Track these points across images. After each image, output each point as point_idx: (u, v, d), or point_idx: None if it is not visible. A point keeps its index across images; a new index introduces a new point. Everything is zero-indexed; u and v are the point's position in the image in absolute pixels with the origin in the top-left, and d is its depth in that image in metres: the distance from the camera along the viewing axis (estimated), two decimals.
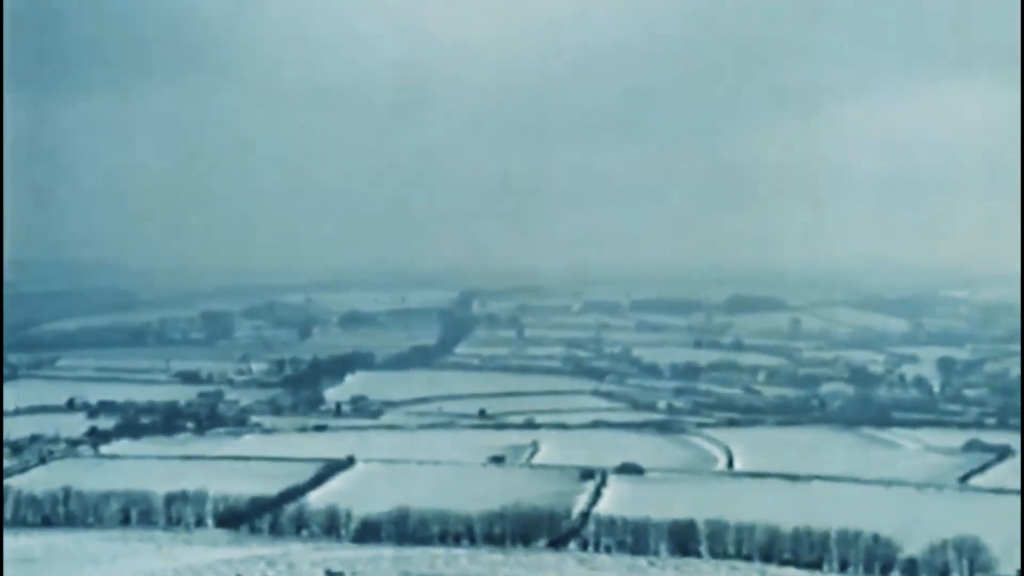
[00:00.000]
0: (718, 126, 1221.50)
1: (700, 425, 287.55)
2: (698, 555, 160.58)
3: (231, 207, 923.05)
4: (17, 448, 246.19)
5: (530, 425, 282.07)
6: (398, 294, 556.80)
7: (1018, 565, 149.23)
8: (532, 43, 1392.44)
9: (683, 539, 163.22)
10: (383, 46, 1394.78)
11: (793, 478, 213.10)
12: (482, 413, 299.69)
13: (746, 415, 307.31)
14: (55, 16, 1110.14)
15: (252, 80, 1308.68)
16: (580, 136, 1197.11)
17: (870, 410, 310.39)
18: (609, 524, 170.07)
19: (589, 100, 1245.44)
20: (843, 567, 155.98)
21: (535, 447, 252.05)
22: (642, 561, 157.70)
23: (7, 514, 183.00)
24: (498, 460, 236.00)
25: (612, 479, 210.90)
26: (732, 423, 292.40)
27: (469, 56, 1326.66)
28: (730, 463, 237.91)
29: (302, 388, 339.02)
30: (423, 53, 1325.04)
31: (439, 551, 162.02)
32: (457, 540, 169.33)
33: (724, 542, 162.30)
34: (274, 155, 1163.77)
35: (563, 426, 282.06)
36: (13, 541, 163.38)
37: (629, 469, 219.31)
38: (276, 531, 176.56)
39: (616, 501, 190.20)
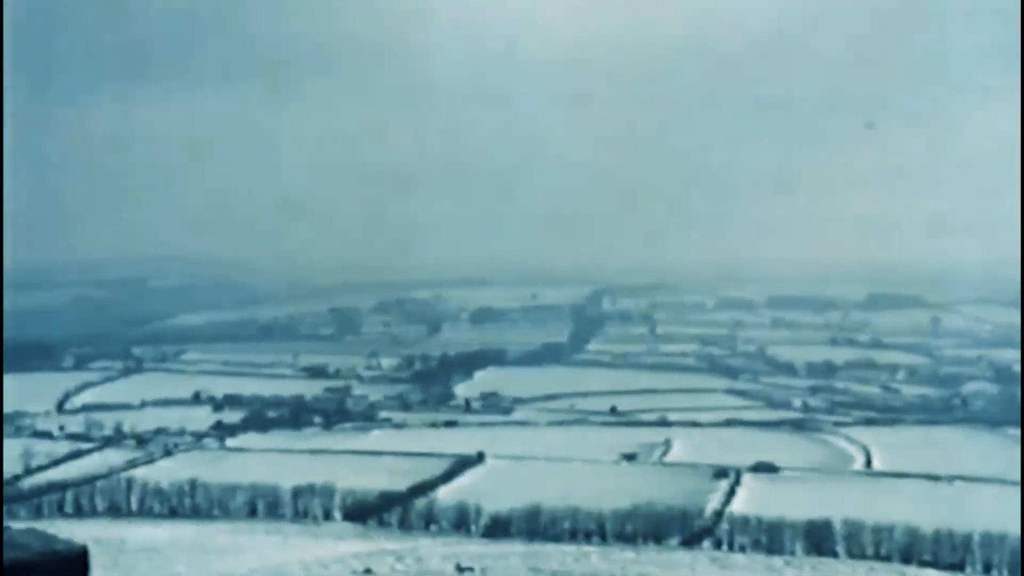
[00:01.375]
0: (850, 126, 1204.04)
1: (837, 424, 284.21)
2: (835, 555, 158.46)
3: (363, 203, 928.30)
4: (142, 440, 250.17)
5: (662, 423, 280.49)
6: (529, 290, 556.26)
7: None
8: (681, 42, 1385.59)
9: (819, 539, 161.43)
10: (538, 46, 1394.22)
11: (934, 478, 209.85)
12: (613, 410, 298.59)
13: (885, 414, 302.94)
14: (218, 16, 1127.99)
15: (406, 78, 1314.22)
16: (724, 132, 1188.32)
17: (1014, 410, 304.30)
18: (743, 523, 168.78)
19: (736, 98, 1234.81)
20: (986, 570, 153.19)
21: (667, 445, 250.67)
22: (777, 561, 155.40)
23: (133, 504, 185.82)
24: (630, 458, 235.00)
25: (746, 477, 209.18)
26: (870, 422, 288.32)
27: (618, 54, 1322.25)
28: (868, 462, 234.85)
29: (432, 384, 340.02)
30: (577, 51, 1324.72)
31: (570, 548, 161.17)
32: (588, 537, 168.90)
33: (862, 542, 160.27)
34: (413, 152, 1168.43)
35: (696, 424, 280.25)
36: (138, 531, 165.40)
37: (764, 468, 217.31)
38: (405, 526, 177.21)
39: (750, 500, 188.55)
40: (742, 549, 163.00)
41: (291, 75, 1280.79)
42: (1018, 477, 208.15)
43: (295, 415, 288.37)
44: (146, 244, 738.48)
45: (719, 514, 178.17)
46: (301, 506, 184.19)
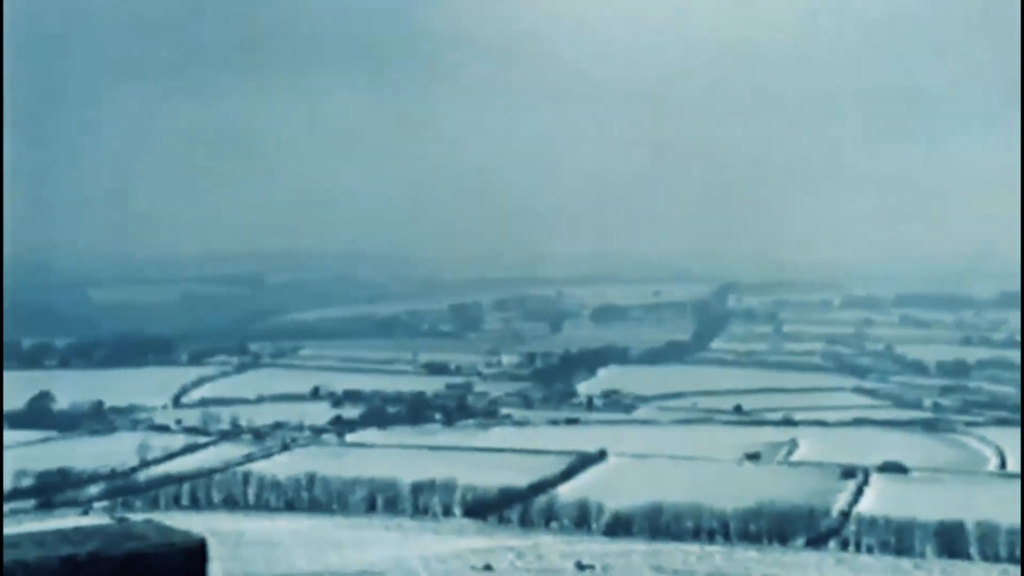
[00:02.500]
0: (966, 122, 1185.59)
1: (969, 424, 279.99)
2: (967, 558, 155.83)
3: (486, 198, 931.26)
4: (259, 435, 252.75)
5: (788, 422, 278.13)
6: (652, 288, 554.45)
7: None
8: (783, 41, 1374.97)
9: (951, 541, 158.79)
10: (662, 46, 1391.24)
11: None
12: (738, 409, 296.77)
13: (1020, 414, 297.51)
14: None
15: (535, 78, 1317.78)
16: (843, 128, 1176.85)
17: None
18: (871, 524, 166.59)
19: (839, 97, 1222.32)
20: None
21: (793, 444, 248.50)
22: (906, 563, 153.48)
23: (250, 498, 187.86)
24: (754, 457, 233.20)
25: (874, 478, 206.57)
26: (1004, 422, 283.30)
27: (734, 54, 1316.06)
28: (1002, 463, 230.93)
29: (553, 381, 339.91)
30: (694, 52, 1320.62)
31: (692, 547, 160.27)
32: (711, 537, 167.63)
33: (995, 544, 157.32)
34: (533, 151, 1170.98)
35: (823, 423, 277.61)
36: (256, 524, 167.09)
37: (893, 468, 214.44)
38: (525, 522, 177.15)
39: (879, 500, 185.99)
40: (869, 550, 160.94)
41: (419, 70, 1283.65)
42: None
43: (415, 411, 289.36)
44: (263, 240, 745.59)
45: (846, 514, 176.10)
46: (421, 502, 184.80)
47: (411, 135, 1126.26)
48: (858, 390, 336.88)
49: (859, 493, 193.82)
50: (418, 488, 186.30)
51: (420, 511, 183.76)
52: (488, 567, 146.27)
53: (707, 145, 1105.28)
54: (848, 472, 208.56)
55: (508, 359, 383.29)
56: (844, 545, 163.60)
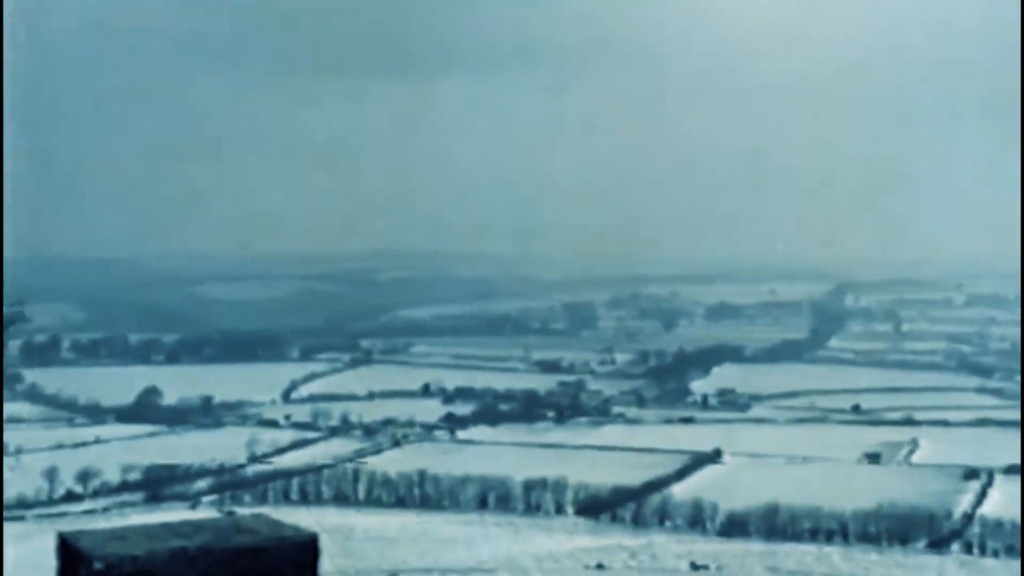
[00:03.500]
0: None
1: None
2: None
3: (599, 197, 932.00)
4: (370, 431, 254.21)
5: (909, 422, 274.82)
6: (768, 287, 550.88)
7: None
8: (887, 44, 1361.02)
9: None
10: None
11: None
12: (856, 409, 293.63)
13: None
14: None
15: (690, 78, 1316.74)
16: (969, 128, 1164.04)
17: None
18: (996, 526, 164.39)
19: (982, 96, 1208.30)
20: None
21: (914, 444, 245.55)
22: None
23: (360, 493, 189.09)
24: (873, 457, 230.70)
25: (999, 479, 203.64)
26: None
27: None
28: None
29: (667, 379, 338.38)
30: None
31: (810, 548, 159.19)
32: (829, 538, 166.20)
33: None
34: (647, 149, 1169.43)
35: (945, 423, 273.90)
36: (366, 520, 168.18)
37: (1019, 470, 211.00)
38: (639, 521, 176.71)
39: (1004, 503, 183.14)
40: (995, 554, 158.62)
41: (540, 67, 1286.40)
42: None
43: (527, 409, 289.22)
44: (373, 238, 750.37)
45: (969, 517, 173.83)
46: (533, 500, 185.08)
47: (529, 134, 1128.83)
48: (982, 390, 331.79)
49: (983, 495, 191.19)
50: (530, 486, 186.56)
51: (532, 509, 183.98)
52: (600, 566, 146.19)
53: (827, 145, 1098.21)
54: (971, 473, 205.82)
55: (621, 357, 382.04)
56: (968, 548, 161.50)
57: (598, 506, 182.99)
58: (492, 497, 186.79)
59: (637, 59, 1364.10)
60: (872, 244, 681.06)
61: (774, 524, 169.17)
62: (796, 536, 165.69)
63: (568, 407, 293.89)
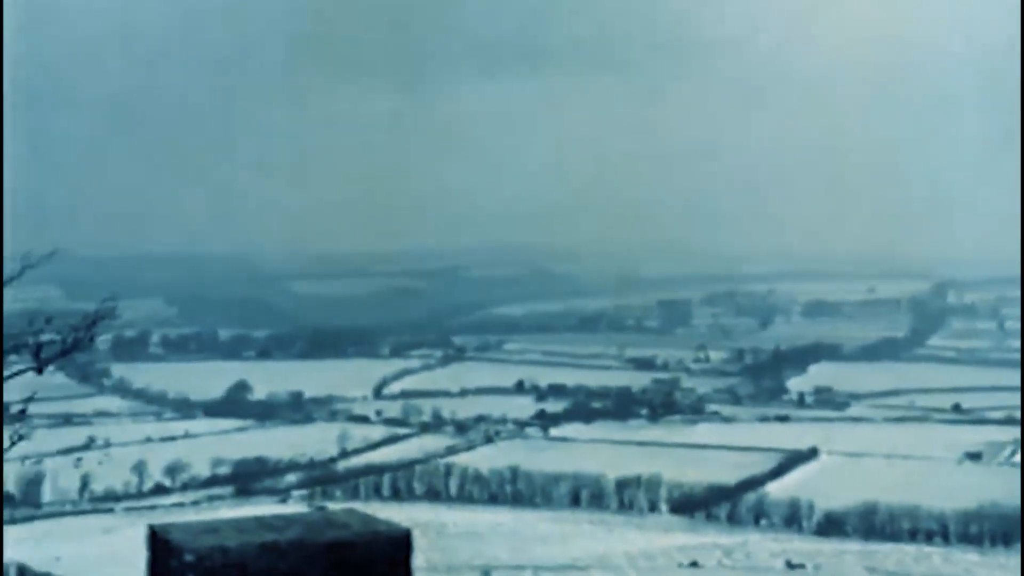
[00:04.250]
0: None
1: None
2: None
3: (695, 197, 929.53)
4: (462, 427, 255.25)
5: (1011, 421, 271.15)
6: (867, 284, 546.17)
7: None
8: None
9: None
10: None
11: None
12: (957, 408, 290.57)
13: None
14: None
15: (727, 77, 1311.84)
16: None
17: None
18: None
19: None
20: None
21: (1017, 445, 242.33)
22: None
23: (452, 489, 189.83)
24: (975, 457, 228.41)
25: None
26: None
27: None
28: None
29: (762, 377, 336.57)
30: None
31: (909, 548, 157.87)
32: (929, 538, 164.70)
33: None
34: (744, 148, 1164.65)
35: None
36: (458, 516, 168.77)
37: None
38: (733, 520, 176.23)
39: None
40: None
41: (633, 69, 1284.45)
42: None
43: (621, 406, 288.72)
44: (465, 234, 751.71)
45: None
46: (626, 497, 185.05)
47: (622, 130, 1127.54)
48: None
49: None
50: (623, 483, 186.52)
51: (625, 507, 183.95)
52: (695, 564, 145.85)
53: (929, 142, 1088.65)
54: None
55: (716, 355, 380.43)
56: None
57: (692, 504, 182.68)
58: (585, 494, 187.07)
59: (725, 56, 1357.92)
60: (972, 241, 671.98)
61: (872, 524, 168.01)
62: (895, 536, 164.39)
63: (662, 405, 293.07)
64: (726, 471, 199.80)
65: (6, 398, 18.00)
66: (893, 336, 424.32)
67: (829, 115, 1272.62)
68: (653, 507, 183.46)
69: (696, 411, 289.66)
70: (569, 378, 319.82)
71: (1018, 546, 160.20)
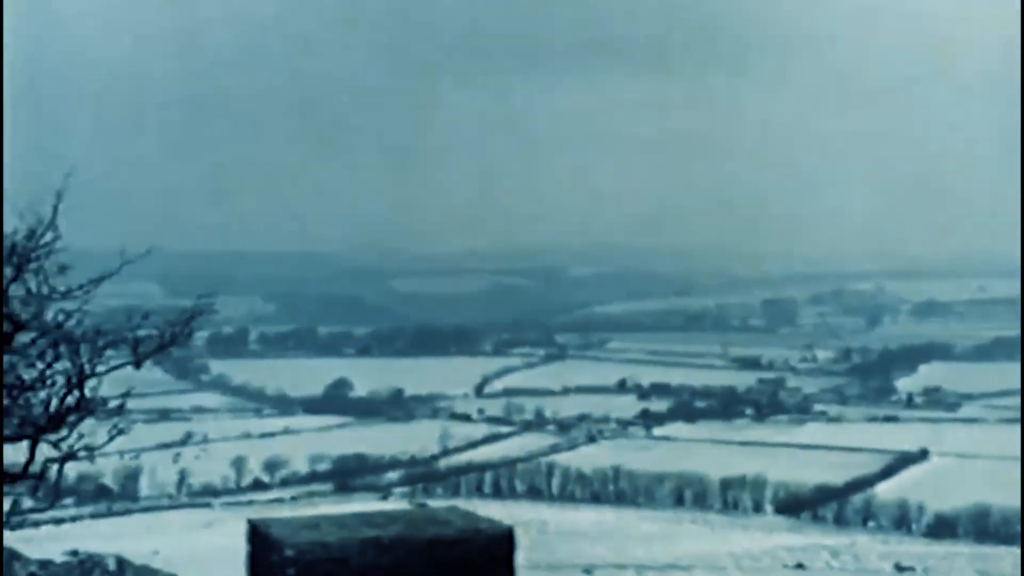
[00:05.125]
0: None
1: None
2: None
3: (800, 195, 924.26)
4: (564, 426, 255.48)
5: None
6: (976, 283, 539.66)
7: None
8: None
9: None
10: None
11: None
12: None
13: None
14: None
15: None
16: None
17: None
18: None
19: None
20: None
21: None
22: None
23: (554, 488, 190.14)
24: None
25: None
26: None
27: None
28: None
29: (870, 377, 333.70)
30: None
31: None
32: None
33: None
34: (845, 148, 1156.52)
35: None
36: (560, 515, 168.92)
37: None
38: (840, 521, 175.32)
39: None
40: None
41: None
42: None
43: (725, 406, 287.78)
44: (566, 233, 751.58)
45: None
46: (730, 497, 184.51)
47: (713, 130, 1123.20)
48: None
49: None
50: (727, 483, 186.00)
51: (729, 507, 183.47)
52: (800, 566, 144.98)
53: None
54: None
55: (823, 354, 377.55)
56: None
57: (798, 505, 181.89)
58: (688, 494, 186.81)
59: (834, 52, 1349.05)
60: None
61: (984, 526, 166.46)
62: (1008, 539, 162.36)
63: (767, 404, 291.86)
64: (833, 472, 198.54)
65: (105, 392, 18.20)
66: (1007, 336, 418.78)
67: (933, 112, 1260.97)
68: (758, 507, 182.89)
69: (802, 411, 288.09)
70: (672, 377, 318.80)
71: None
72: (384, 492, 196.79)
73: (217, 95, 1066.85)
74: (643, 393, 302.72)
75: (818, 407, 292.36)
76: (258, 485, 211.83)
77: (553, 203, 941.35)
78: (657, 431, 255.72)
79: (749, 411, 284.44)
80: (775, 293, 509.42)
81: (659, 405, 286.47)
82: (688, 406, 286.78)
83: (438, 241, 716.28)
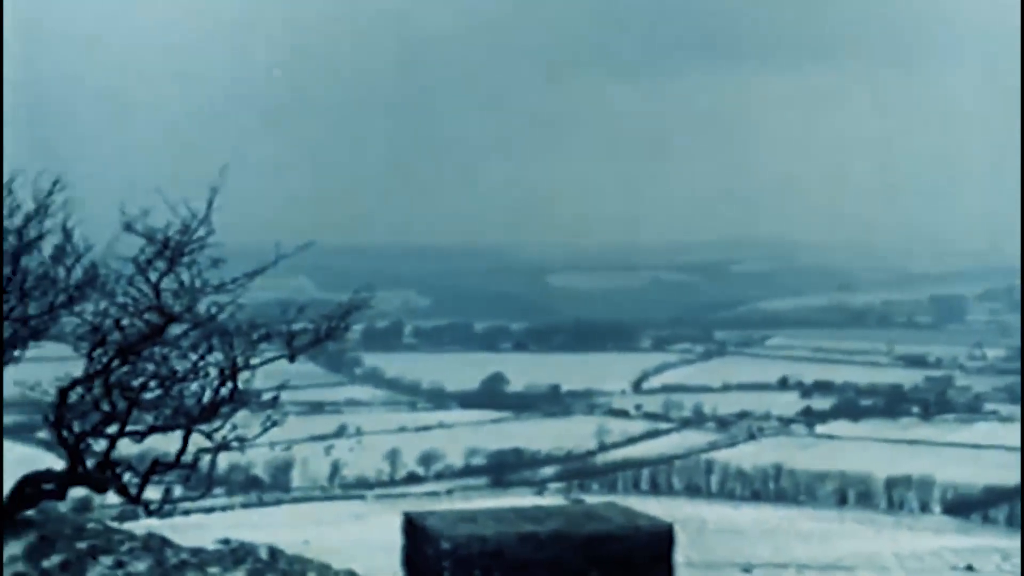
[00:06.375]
0: None
1: None
2: None
3: (965, 191, 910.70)
4: (724, 423, 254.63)
5: None
6: None
7: None
8: None
9: None
10: None
11: None
12: None
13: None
14: None
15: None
16: None
17: None
18: None
19: None
20: None
21: None
22: None
23: (712, 485, 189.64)
24: None
25: None
26: None
27: None
28: None
29: None
30: None
31: None
32: None
33: None
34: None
35: None
36: (718, 512, 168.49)
37: None
38: (1013, 523, 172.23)
39: None
40: None
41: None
42: None
43: (891, 404, 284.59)
44: (734, 227, 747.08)
45: None
46: (896, 497, 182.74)
47: (887, 126, 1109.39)
48: None
49: None
50: (893, 483, 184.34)
51: (895, 506, 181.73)
52: (970, 568, 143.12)
53: None
54: None
55: (993, 352, 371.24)
56: None
57: (968, 506, 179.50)
58: (852, 493, 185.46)
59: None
60: None
61: None
62: None
63: (935, 403, 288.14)
64: (1005, 472, 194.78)
65: (259, 385, 18.48)
66: None
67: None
68: (924, 507, 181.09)
69: (972, 410, 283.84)
70: (836, 375, 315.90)
71: None
72: (539, 487, 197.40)
73: (371, 89, 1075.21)
74: (805, 390, 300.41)
75: (989, 406, 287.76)
76: (412, 478, 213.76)
77: (720, 197, 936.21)
78: (820, 429, 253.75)
79: (916, 409, 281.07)
80: (943, 289, 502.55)
81: (822, 403, 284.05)
82: (852, 404, 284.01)
83: (597, 236, 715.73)
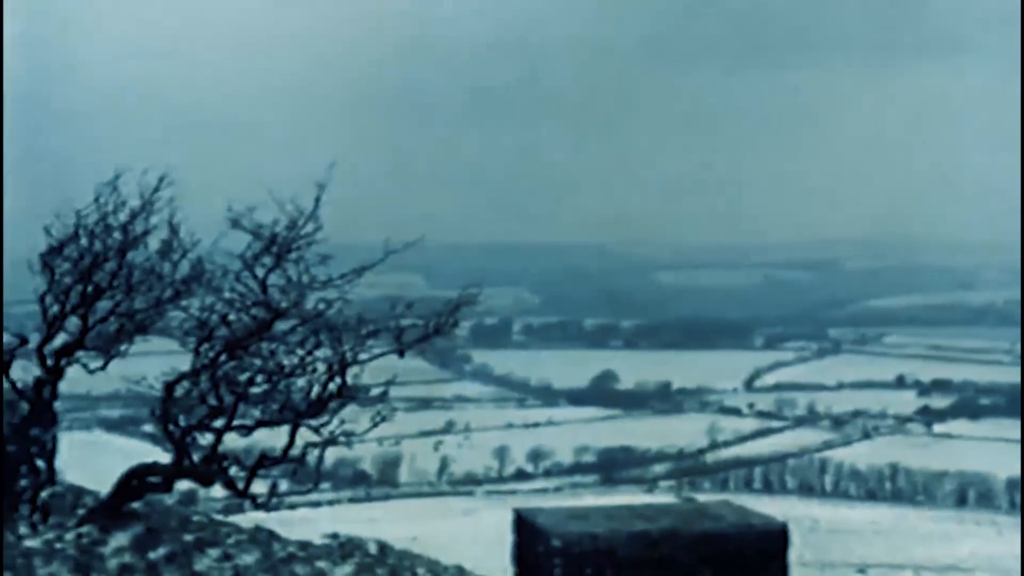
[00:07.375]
0: None
1: None
2: None
3: None
4: (838, 422, 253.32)
5: None
6: None
7: None
8: None
9: None
10: None
11: None
12: None
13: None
14: None
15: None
16: None
17: None
18: None
19: None
20: None
21: None
22: None
23: (826, 485, 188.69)
24: None
25: None
26: None
27: None
28: None
29: None
30: None
31: None
32: None
33: None
34: None
35: None
36: (832, 512, 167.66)
37: None
38: None
39: None
40: None
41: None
42: None
43: (1012, 403, 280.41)
44: (847, 225, 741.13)
45: None
46: (1018, 498, 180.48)
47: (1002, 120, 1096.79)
48: None
49: None
50: (1015, 483, 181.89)
51: (1017, 508, 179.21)
52: None
53: None
54: None
55: None
56: None
57: None
58: (972, 494, 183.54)
59: None
60: None
61: None
62: None
63: None
64: None
65: (367, 380, 18.61)
66: None
67: None
68: None
69: None
70: (955, 373, 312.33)
71: None
72: (650, 486, 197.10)
73: (494, 88, 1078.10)
74: (923, 389, 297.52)
75: None
76: (521, 475, 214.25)
77: (834, 195, 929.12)
78: (938, 428, 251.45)
79: None
80: None
81: (940, 401, 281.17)
82: (972, 403, 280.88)
83: (708, 235, 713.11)
